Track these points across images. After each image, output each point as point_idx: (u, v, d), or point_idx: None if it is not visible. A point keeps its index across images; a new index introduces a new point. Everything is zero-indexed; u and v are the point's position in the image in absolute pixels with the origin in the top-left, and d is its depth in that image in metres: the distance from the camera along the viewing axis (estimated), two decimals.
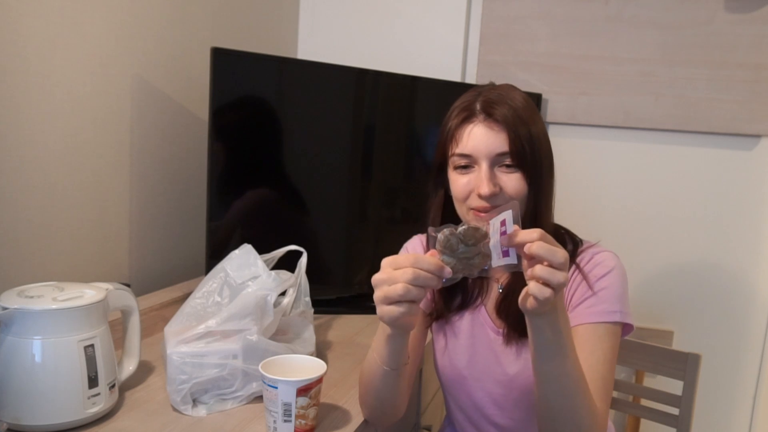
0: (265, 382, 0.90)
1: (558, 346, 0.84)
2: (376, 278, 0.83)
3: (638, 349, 1.44)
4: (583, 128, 1.96)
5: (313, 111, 1.53)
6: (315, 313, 1.24)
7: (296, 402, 0.89)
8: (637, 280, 1.93)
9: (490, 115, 0.98)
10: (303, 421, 0.91)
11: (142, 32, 1.41)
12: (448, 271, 0.80)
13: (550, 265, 0.76)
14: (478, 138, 0.98)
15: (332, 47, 2.07)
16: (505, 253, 0.79)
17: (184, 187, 1.60)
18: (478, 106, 0.99)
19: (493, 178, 0.97)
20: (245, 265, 1.09)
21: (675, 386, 1.39)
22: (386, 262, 0.83)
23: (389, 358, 0.91)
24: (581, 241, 1.07)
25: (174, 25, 1.51)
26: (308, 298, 1.22)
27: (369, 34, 2.04)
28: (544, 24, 1.94)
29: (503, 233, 0.78)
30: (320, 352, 1.25)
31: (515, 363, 1.05)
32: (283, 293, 1.13)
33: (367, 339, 1.36)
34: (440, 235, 0.81)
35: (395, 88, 1.64)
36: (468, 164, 0.99)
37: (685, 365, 1.39)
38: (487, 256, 0.81)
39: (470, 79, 2.02)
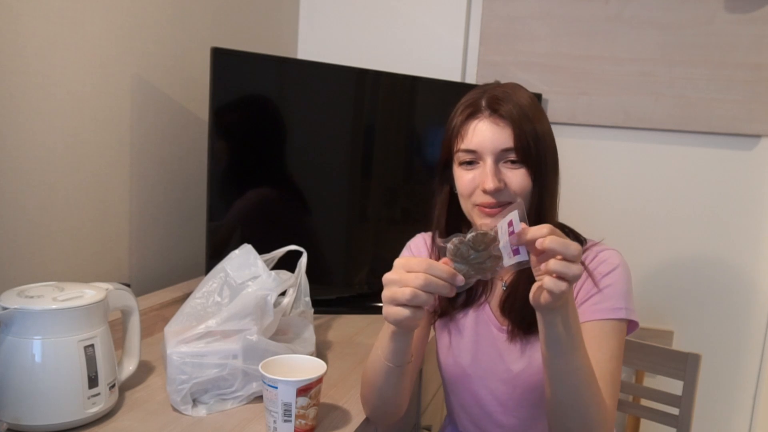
0: (265, 382, 0.90)
1: (569, 341, 0.84)
2: (387, 277, 0.83)
3: (638, 349, 1.44)
4: (583, 128, 1.96)
5: (313, 111, 1.53)
6: (315, 313, 1.24)
7: (296, 402, 0.89)
8: (637, 280, 1.91)
9: (495, 111, 0.99)
10: (303, 421, 0.91)
11: (142, 32, 1.41)
12: (460, 279, 0.80)
13: (564, 259, 0.76)
14: (483, 133, 0.99)
15: (332, 47, 2.07)
16: (516, 252, 0.79)
17: (184, 187, 1.60)
18: (483, 103, 1.00)
19: (497, 173, 0.98)
20: (245, 265, 1.09)
21: (675, 386, 1.39)
22: (399, 262, 0.83)
23: (393, 355, 0.91)
24: (585, 239, 1.07)
25: (174, 25, 1.51)
26: (308, 298, 1.22)
27: (369, 34, 2.04)
28: (544, 24, 1.94)
29: (511, 233, 0.78)
30: (320, 352, 1.25)
31: (519, 360, 1.05)
32: (283, 293, 1.13)
33: (367, 339, 1.36)
34: (450, 245, 0.81)
35: (395, 88, 1.64)
36: (473, 160, 1.00)
37: (685, 365, 1.39)
38: (498, 257, 0.81)
39: (470, 79, 2.02)
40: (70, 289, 0.93)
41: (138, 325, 1.04)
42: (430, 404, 1.54)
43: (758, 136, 1.85)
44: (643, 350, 1.44)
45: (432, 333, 1.19)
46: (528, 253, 0.79)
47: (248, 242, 1.13)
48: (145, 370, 1.12)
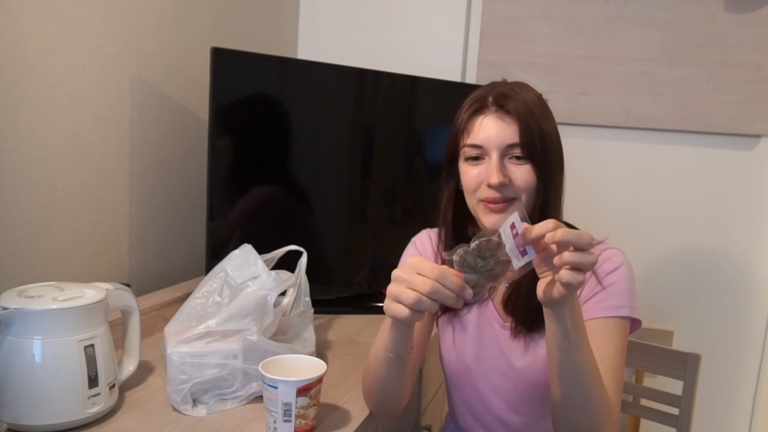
0: (265, 382, 0.90)
1: (577, 335, 0.85)
2: (396, 274, 0.83)
3: (638, 349, 1.44)
4: (583, 128, 1.96)
5: (313, 111, 1.53)
6: (315, 313, 1.24)
7: (296, 402, 0.89)
8: (637, 279, 1.91)
9: (501, 107, 1.00)
10: (303, 421, 0.91)
11: (142, 32, 1.41)
12: (468, 293, 0.80)
13: (578, 249, 0.76)
14: (489, 129, 0.99)
15: (332, 47, 2.07)
16: (523, 252, 0.79)
17: (184, 187, 1.60)
18: (490, 99, 1.01)
19: (503, 168, 0.99)
20: (245, 265, 1.09)
21: (675, 386, 1.39)
22: (412, 262, 0.82)
23: (393, 345, 0.91)
24: None
25: (174, 25, 1.51)
26: (308, 298, 1.22)
27: (369, 34, 2.04)
28: (544, 24, 1.94)
29: (516, 235, 0.78)
30: (320, 352, 1.25)
31: (522, 357, 1.06)
32: (283, 293, 1.13)
33: (367, 339, 1.36)
34: (456, 257, 0.81)
35: (395, 88, 1.64)
36: (479, 155, 1.01)
37: (685, 365, 1.39)
38: (507, 261, 0.80)
39: (470, 79, 2.02)
40: (70, 289, 0.93)
41: (138, 325, 1.04)
42: (430, 404, 1.54)
43: (758, 136, 1.85)
44: (643, 350, 1.44)
45: (434, 330, 1.19)
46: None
47: (248, 242, 1.13)
48: (145, 370, 1.12)
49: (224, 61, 1.36)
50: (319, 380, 0.92)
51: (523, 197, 1.00)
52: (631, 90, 1.90)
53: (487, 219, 1.01)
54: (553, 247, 0.78)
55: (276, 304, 1.05)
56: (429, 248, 1.16)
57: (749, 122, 1.83)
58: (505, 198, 0.99)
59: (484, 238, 0.80)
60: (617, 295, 1.00)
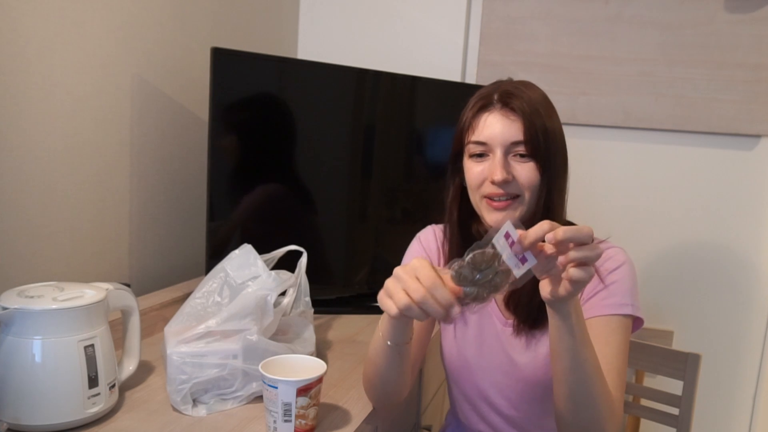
0: (265, 382, 0.90)
1: (581, 332, 0.85)
2: (397, 271, 0.82)
3: (638, 349, 1.44)
4: (583, 128, 1.96)
5: (313, 111, 1.53)
6: (315, 313, 1.24)
7: (296, 402, 0.89)
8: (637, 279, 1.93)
9: (506, 104, 1.00)
10: (303, 421, 0.91)
11: (142, 32, 1.41)
12: (456, 310, 0.78)
13: (580, 244, 0.76)
14: (494, 126, 1.00)
15: (332, 47, 2.07)
16: (523, 260, 0.78)
17: (184, 187, 1.60)
18: (495, 97, 1.02)
19: (506, 165, 0.99)
20: (245, 265, 1.09)
21: (675, 386, 1.39)
22: (415, 264, 0.81)
23: (392, 333, 0.92)
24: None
25: (174, 25, 1.51)
26: (308, 298, 1.22)
27: (369, 34, 2.05)
28: (544, 24, 1.94)
29: (512, 244, 0.77)
30: (320, 352, 1.25)
31: (524, 354, 1.06)
32: (283, 293, 1.13)
33: (367, 339, 1.36)
34: (452, 272, 0.80)
35: (395, 88, 1.64)
36: (483, 152, 1.02)
37: (685, 365, 1.39)
38: (506, 271, 0.79)
39: (470, 79, 2.02)
40: (70, 289, 0.93)
41: (138, 325, 1.04)
42: (430, 404, 1.54)
43: (758, 136, 1.85)
44: (643, 350, 1.44)
45: (437, 328, 1.19)
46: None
47: (248, 242, 1.13)
48: (145, 370, 1.12)
49: (224, 61, 1.36)
50: (319, 380, 0.92)
51: (527, 195, 1.00)
52: (631, 90, 1.90)
53: (490, 216, 1.02)
54: (549, 248, 0.77)
55: (276, 304, 1.05)
56: (433, 244, 1.16)
57: (749, 122, 1.83)
58: (508, 195, 1.00)
59: (478, 251, 0.79)
60: (620, 293, 1.00)
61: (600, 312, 0.99)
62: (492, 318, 1.10)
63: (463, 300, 0.81)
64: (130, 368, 1.04)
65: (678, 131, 1.89)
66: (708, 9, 1.82)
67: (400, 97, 1.67)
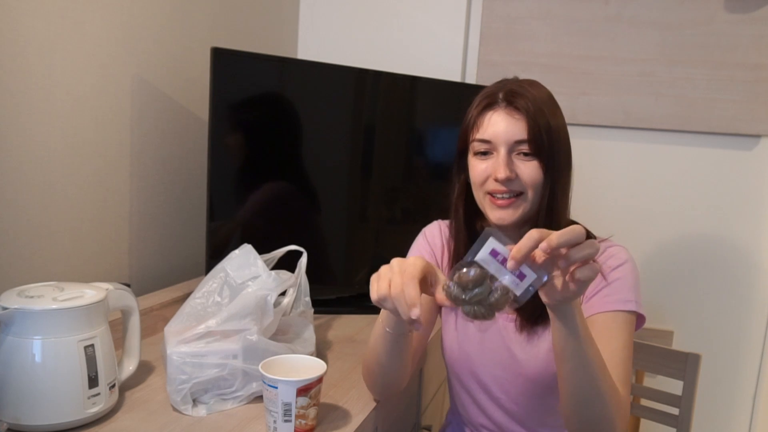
0: (265, 382, 0.90)
1: (585, 331, 0.85)
2: (393, 261, 0.86)
3: (638, 349, 1.44)
4: (583, 128, 1.96)
5: (313, 111, 1.53)
6: (315, 313, 1.24)
7: (296, 402, 0.89)
8: None
9: (511, 103, 1.01)
10: (303, 421, 0.91)
11: (142, 32, 1.41)
12: (416, 312, 0.80)
13: (575, 245, 0.75)
14: (498, 124, 1.01)
15: (332, 47, 2.07)
16: (520, 276, 0.77)
17: (184, 187, 1.60)
18: (500, 95, 1.03)
19: (510, 164, 1.00)
20: (245, 265, 1.09)
21: (675, 386, 1.40)
22: (410, 259, 0.85)
23: (390, 320, 0.93)
24: (594, 236, 1.08)
25: (174, 25, 1.51)
26: (308, 298, 1.22)
27: (369, 34, 2.04)
28: (544, 24, 1.94)
29: (503, 261, 0.77)
30: (320, 352, 1.25)
31: (525, 349, 1.07)
32: (283, 293, 1.13)
33: (367, 339, 1.36)
34: (444, 293, 0.82)
35: (395, 88, 1.64)
36: (487, 150, 1.02)
37: (685, 365, 1.39)
38: (504, 288, 0.78)
39: (470, 79, 2.02)
40: (70, 289, 0.93)
41: (138, 325, 1.04)
42: (430, 404, 1.54)
43: (758, 136, 1.85)
44: (643, 350, 1.44)
45: (439, 324, 1.19)
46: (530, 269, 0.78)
47: (248, 242, 1.13)
48: (145, 370, 1.12)
49: (224, 61, 1.36)
50: (319, 380, 0.92)
51: (530, 193, 1.01)
52: (631, 90, 1.90)
53: (493, 214, 1.02)
54: (539, 254, 0.76)
55: (276, 304, 1.05)
56: (438, 240, 1.17)
57: (749, 122, 1.83)
58: (511, 193, 1.00)
59: (463, 270, 0.79)
60: (623, 290, 1.01)
61: (604, 308, 1.00)
62: None
63: (465, 316, 0.82)
64: (130, 368, 1.04)
65: (678, 131, 1.90)
66: (708, 9, 1.82)
67: (400, 97, 1.66)
